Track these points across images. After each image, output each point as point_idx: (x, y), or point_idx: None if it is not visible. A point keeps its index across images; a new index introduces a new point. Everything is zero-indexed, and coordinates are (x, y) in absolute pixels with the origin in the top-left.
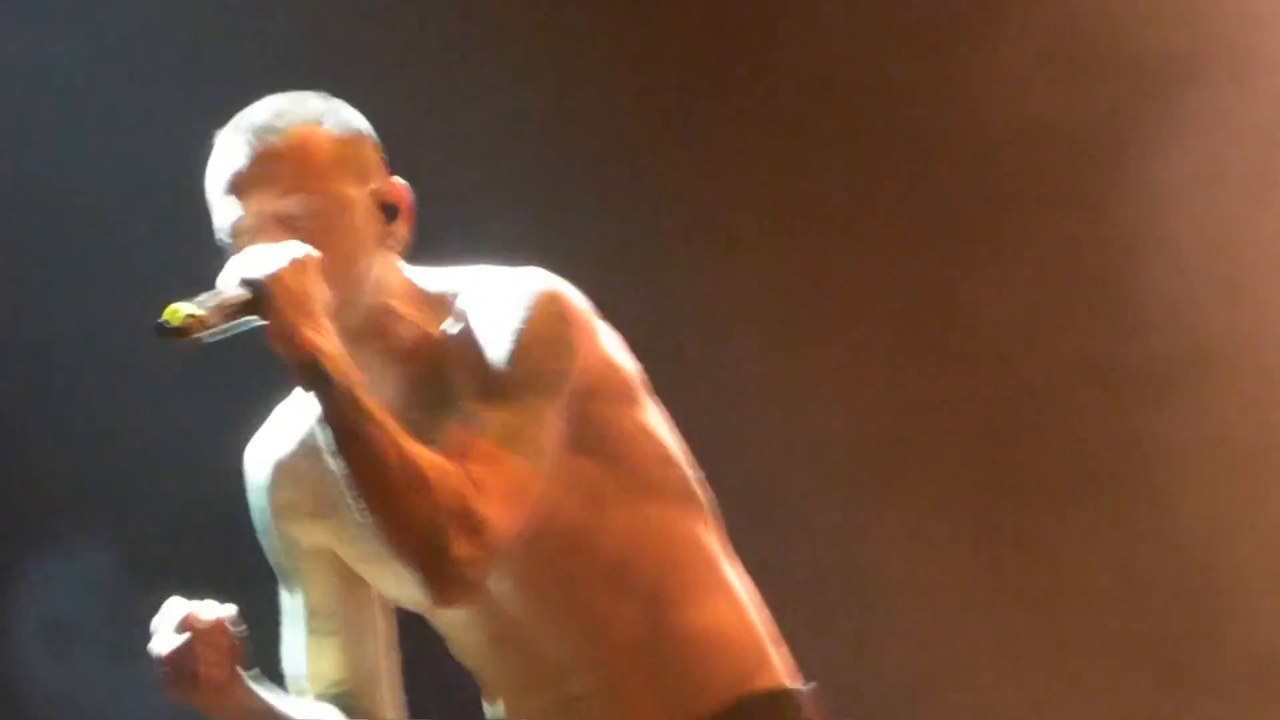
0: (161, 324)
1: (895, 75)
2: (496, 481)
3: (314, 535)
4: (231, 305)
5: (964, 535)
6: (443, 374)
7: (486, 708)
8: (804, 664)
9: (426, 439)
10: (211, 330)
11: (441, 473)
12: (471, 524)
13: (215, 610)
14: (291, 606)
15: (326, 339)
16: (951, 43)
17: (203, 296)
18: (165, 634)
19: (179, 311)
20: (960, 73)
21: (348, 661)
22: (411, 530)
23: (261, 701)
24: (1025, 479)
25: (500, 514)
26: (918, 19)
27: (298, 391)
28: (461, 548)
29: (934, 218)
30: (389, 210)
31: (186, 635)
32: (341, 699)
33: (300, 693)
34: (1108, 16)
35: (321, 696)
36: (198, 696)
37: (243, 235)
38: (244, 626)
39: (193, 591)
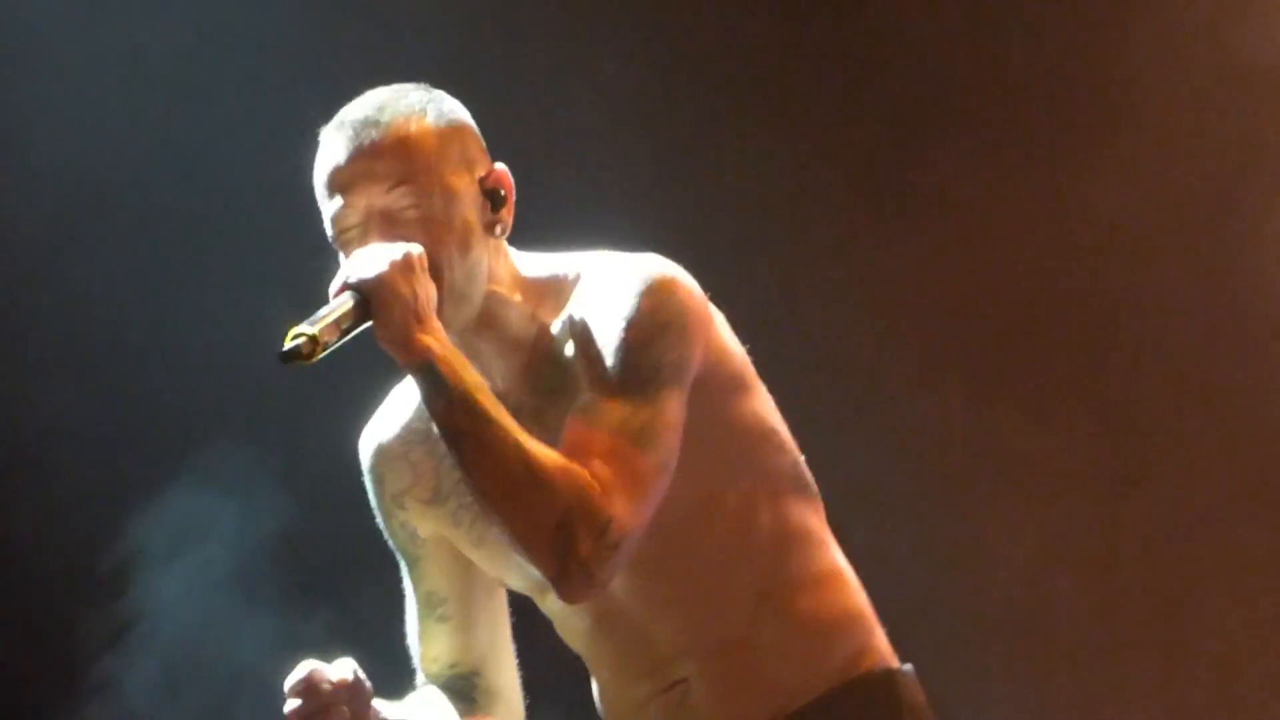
0: (283, 352)
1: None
2: (621, 479)
3: (428, 522)
4: (344, 317)
5: (1086, 527)
6: (558, 360)
7: (595, 692)
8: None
9: (542, 425)
10: (329, 345)
11: (565, 472)
12: (598, 524)
13: (341, 670)
14: (410, 589)
15: (438, 341)
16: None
17: (316, 315)
18: (294, 698)
19: (296, 335)
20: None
21: (461, 645)
22: (538, 532)
23: None
24: (1153, 478)
25: (626, 512)
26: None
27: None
28: (588, 547)
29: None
30: (494, 198)
31: (315, 701)
32: (456, 681)
33: (416, 671)
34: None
35: (436, 678)
36: None
37: (350, 232)
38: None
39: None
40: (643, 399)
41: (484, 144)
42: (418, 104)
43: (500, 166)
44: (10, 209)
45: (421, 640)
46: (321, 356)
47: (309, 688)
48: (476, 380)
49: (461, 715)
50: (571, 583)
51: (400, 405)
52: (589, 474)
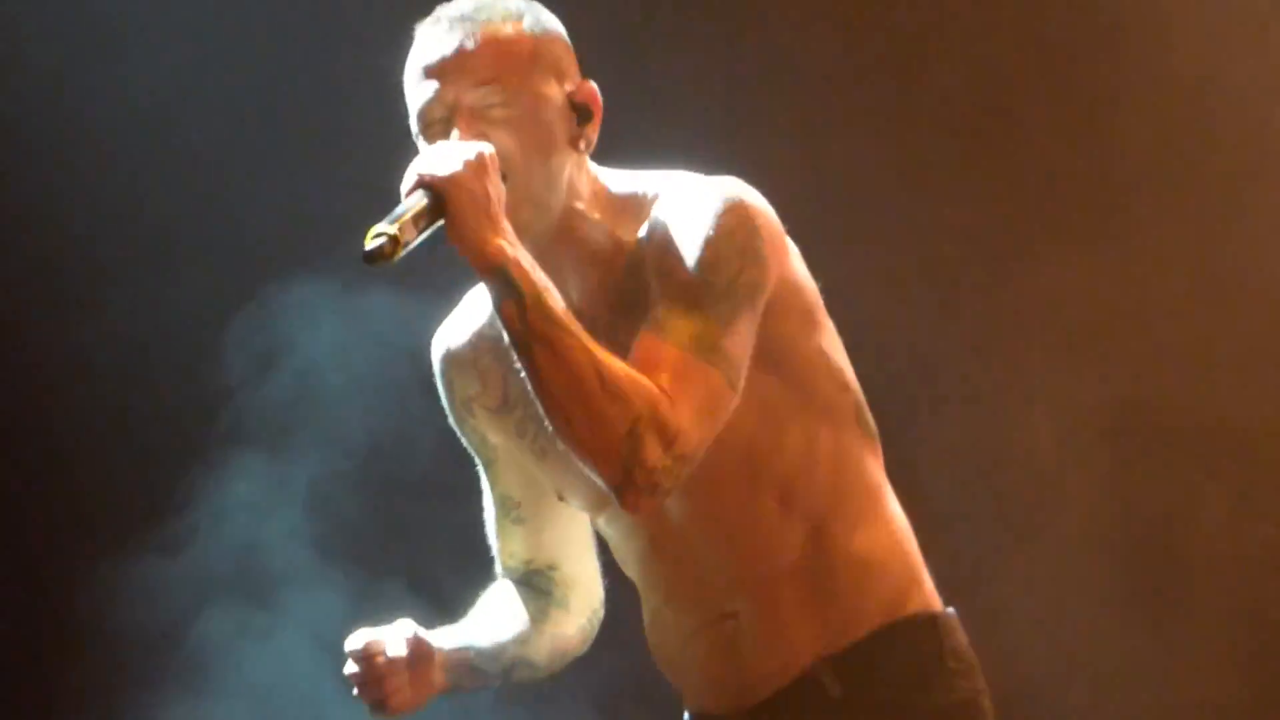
0: (366, 252)
1: None
2: (689, 392)
3: (496, 430)
4: (419, 215)
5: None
6: (634, 277)
7: (645, 620)
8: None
9: (616, 342)
10: (409, 243)
11: (635, 382)
12: (666, 434)
13: (396, 644)
14: (487, 489)
15: (510, 243)
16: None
17: (394, 213)
18: (353, 664)
19: (377, 235)
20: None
21: (535, 544)
22: (606, 439)
23: (456, 670)
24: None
25: (693, 425)
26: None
27: None
28: (656, 456)
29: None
30: (582, 112)
31: (372, 667)
32: (533, 576)
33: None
34: None
35: (514, 572)
36: (392, 713)
37: (434, 126)
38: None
39: None
40: (715, 316)
41: (576, 60)
42: (515, 8)
43: (591, 83)
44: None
45: (499, 538)
46: (404, 254)
47: (365, 658)
48: (547, 284)
49: (538, 608)
50: (636, 492)
51: (473, 311)
52: (658, 385)
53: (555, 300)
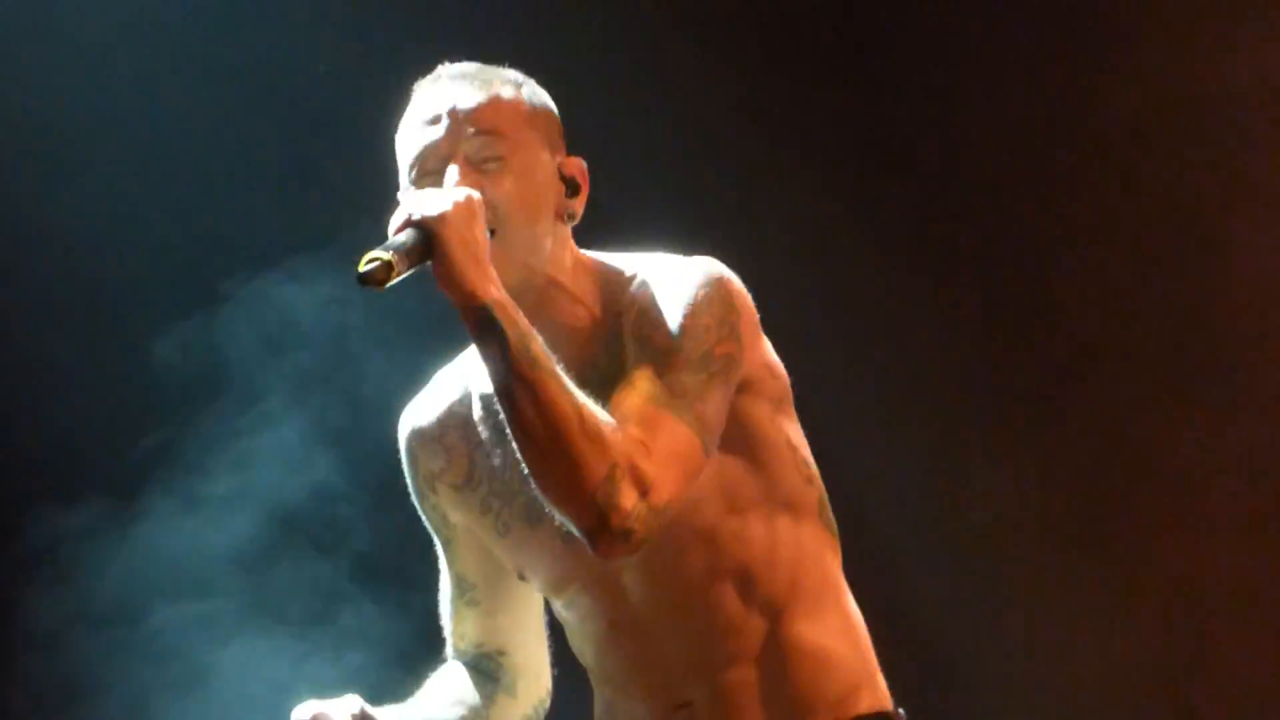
0: (360, 274)
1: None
2: (665, 446)
3: (457, 509)
4: (412, 249)
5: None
6: (610, 355)
7: (596, 713)
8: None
9: None
10: (400, 275)
11: (613, 429)
12: (642, 482)
13: (343, 710)
14: (444, 569)
15: (496, 286)
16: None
17: (389, 242)
18: None
19: (372, 260)
20: None
21: (487, 628)
22: (585, 482)
23: None
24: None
25: (668, 477)
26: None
27: (459, 358)
28: (632, 503)
29: None
30: (569, 186)
31: None
32: (481, 660)
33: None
34: None
35: (463, 654)
36: None
37: (429, 176)
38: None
39: None
40: (691, 381)
41: (564, 138)
42: (513, 77)
43: (580, 159)
44: None
45: (452, 619)
46: (394, 283)
47: None
48: (530, 329)
49: (485, 693)
50: (610, 537)
51: (443, 389)
52: (635, 437)
53: (537, 344)
